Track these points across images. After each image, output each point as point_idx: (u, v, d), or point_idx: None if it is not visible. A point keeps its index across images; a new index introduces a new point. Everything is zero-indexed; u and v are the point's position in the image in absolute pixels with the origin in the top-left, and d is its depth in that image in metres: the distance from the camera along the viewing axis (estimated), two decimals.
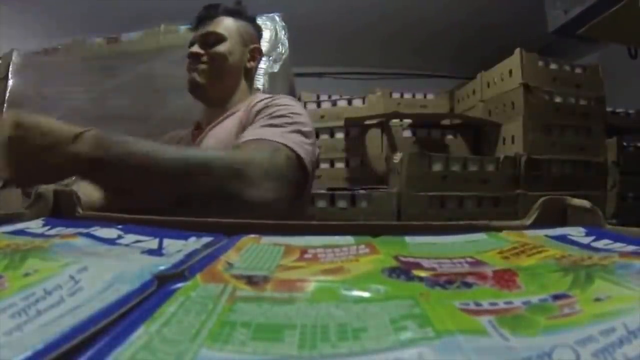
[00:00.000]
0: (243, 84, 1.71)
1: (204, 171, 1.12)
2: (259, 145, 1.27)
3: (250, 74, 1.75)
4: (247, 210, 1.14)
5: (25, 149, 0.98)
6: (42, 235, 0.56)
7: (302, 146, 1.33)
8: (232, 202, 1.14)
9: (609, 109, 3.17)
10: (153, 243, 0.53)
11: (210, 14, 1.69)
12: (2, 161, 0.98)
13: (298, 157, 1.30)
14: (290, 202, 1.29)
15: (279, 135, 1.31)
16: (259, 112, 1.45)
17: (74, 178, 1.18)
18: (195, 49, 1.62)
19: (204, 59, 1.61)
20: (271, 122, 1.38)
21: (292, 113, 1.42)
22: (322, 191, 2.64)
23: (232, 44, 1.65)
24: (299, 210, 1.46)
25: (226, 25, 1.67)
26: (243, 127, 1.44)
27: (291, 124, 1.38)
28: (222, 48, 1.62)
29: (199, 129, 1.70)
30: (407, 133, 3.06)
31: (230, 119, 1.57)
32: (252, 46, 1.73)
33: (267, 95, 1.61)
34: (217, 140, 1.51)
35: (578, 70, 2.96)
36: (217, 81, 1.63)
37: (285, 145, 1.28)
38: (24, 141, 0.98)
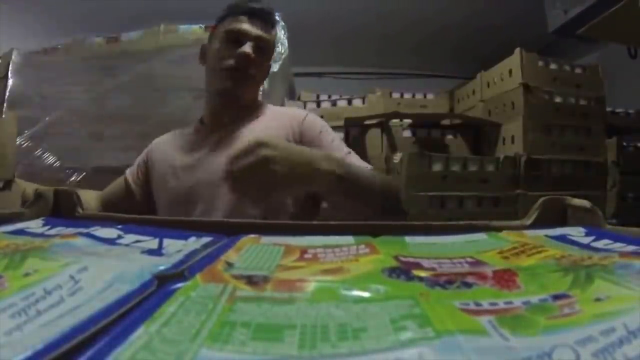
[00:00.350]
0: (260, 90, 1.75)
1: (390, 191, 1.34)
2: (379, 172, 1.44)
3: (265, 81, 1.77)
4: (398, 213, 1.36)
5: (280, 167, 1.07)
6: (42, 235, 0.56)
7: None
8: (392, 210, 1.32)
9: (608, 109, 3.17)
10: (153, 243, 0.53)
11: (265, 16, 1.60)
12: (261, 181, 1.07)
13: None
14: None
15: (365, 163, 1.46)
16: (318, 132, 1.50)
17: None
18: (248, 49, 1.50)
19: (247, 64, 1.52)
20: (342, 145, 1.50)
21: (330, 129, 1.54)
22: None
23: (271, 51, 1.62)
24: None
25: (274, 37, 1.62)
26: (294, 137, 1.49)
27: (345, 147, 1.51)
28: (267, 61, 1.62)
29: (213, 128, 1.62)
30: (407, 133, 3.06)
31: (260, 126, 1.55)
32: (274, 52, 1.68)
33: (290, 108, 1.71)
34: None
35: (578, 70, 2.96)
36: (251, 90, 1.61)
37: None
38: (277, 160, 1.07)
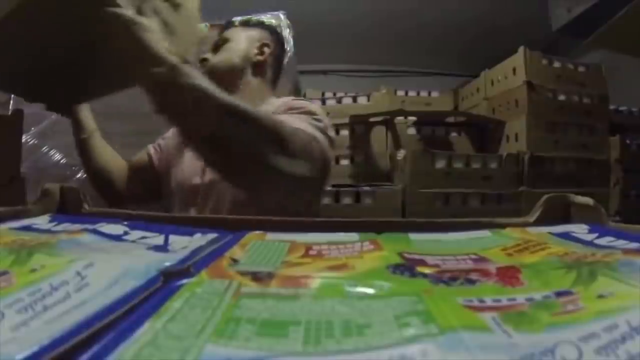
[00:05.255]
0: (253, 78, 1.70)
1: (254, 122, 1.12)
2: (300, 130, 1.27)
3: (260, 68, 1.73)
4: (274, 175, 1.15)
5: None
6: (48, 231, 0.56)
7: (328, 146, 1.36)
8: (263, 162, 1.13)
9: (612, 107, 3.16)
10: (159, 239, 0.53)
11: (223, 27, 1.83)
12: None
13: (326, 157, 1.34)
14: (309, 190, 1.35)
15: (311, 129, 1.32)
16: (290, 108, 1.46)
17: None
18: (203, 55, 1.68)
19: (205, 61, 1.66)
20: (302, 117, 1.39)
21: (319, 114, 1.45)
22: (327, 188, 2.64)
23: (236, 42, 1.69)
24: (311, 203, 1.49)
25: (232, 31, 1.75)
26: None
27: (319, 125, 1.39)
28: (224, 47, 1.69)
29: None
30: (412, 130, 3.05)
31: None
32: (259, 43, 1.73)
33: (290, 98, 1.69)
34: None
35: (581, 69, 2.95)
36: (219, 76, 1.56)
37: (320, 141, 1.31)
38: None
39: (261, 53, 1.72)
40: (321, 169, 1.33)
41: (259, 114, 1.14)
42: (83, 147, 1.61)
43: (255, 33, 1.75)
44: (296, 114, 1.41)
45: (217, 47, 1.70)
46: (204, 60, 1.67)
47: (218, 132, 1.10)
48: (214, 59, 1.66)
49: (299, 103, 1.50)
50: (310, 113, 1.42)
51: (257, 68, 1.72)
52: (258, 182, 1.18)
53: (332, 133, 1.45)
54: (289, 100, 1.58)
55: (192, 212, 1.46)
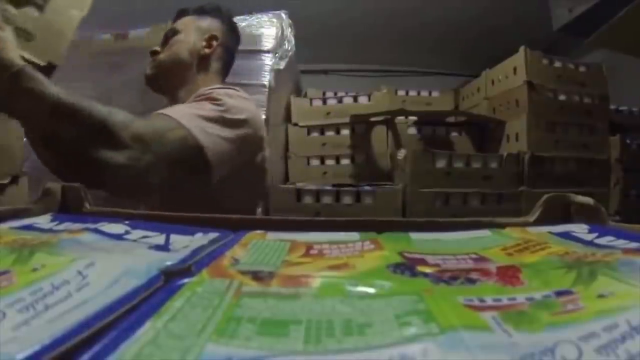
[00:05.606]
0: (201, 72, 1.69)
1: (80, 115, 1.09)
2: (157, 117, 1.27)
3: (207, 61, 1.71)
4: (94, 168, 1.11)
5: None
6: (50, 230, 0.56)
7: (210, 135, 1.30)
8: (84, 155, 1.10)
9: (612, 107, 3.16)
10: (160, 238, 0.53)
11: (174, 17, 1.80)
12: None
13: (198, 144, 1.27)
14: (178, 184, 1.26)
15: (187, 116, 1.28)
16: (199, 96, 1.45)
17: None
18: (153, 47, 1.70)
19: (155, 54, 1.67)
20: (192, 105, 1.39)
21: (225, 97, 1.42)
22: (328, 187, 2.64)
23: (185, 34, 1.67)
24: (201, 198, 1.34)
25: (184, 21, 1.73)
26: None
27: (217, 109, 1.37)
28: (174, 40, 1.67)
29: None
30: (412, 130, 3.06)
31: None
32: (208, 34, 1.72)
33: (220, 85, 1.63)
34: None
35: (582, 69, 2.94)
36: (166, 71, 1.64)
37: (185, 127, 1.26)
38: None
39: (209, 46, 1.70)
40: (187, 159, 1.27)
41: (86, 109, 1.11)
42: None
43: (205, 23, 1.73)
44: (196, 102, 1.41)
45: (167, 39, 1.68)
46: (154, 53, 1.67)
47: (47, 132, 1.09)
48: (162, 54, 1.66)
49: (210, 91, 1.47)
50: (211, 99, 1.40)
51: (205, 61, 1.70)
52: (89, 178, 0.98)
53: (241, 115, 1.41)
54: (217, 88, 1.54)
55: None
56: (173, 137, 1.23)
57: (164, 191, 1.27)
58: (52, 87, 1.07)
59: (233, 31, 1.85)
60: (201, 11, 1.77)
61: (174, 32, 1.68)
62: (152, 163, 1.17)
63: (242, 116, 1.41)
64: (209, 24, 1.74)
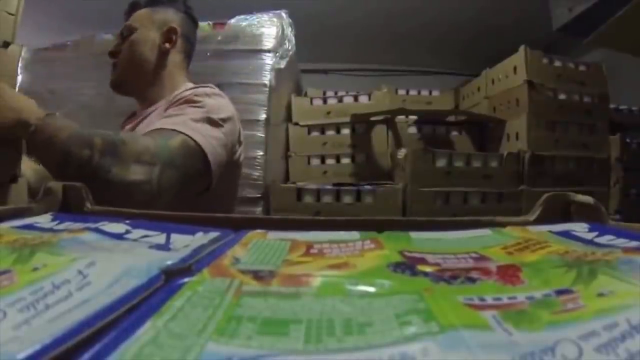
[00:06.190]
0: (164, 68, 1.64)
1: (87, 145, 1.13)
2: (152, 133, 1.27)
3: (167, 57, 1.65)
4: (108, 189, 1.14)
5: None
6: (50, 230, 0.56)
7: (205, 137, 1.31)
8: (95, 177, 1.12)
9: (612, 106, 3.17)
10: (160, 238, 0.53)
11: (128, 11, 1.70)
12: None
13: (198, 145, 1.29)
14: (182, 190, 1.28)
15: (180, 124, 1.29)
16: (177, 101, 1.44)
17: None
18: (110, 48, 1.64)
19: (115, 57, 1.62)
20: (178, 112, 1.38)
21: (205, 98, 1.43)
22: (328, 187, 2.65)
23: (142, 31, 1.61)
24: (201, 205, 1.41)
25: (138, 16, 1.65)
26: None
27: (201, 111, 1.37)
28: (131, 39, 1.60)
29: (130, 119, 1.71)
30: (413, 129, 3.07)
31: (155, 112, 1.54)
32: (166, 27, 1.65)
33: (194, 85, 1.61)
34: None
35: (582, 68, 2.95)
36: (130, 73, 1.60)
37: (183, 133, 1.27)
38: None
39: (169, 40, 1.65)
40: (193, 165, 1.30)
41: (94, 134, 1.16)
42: None
43: (160, 16, 1.65)
44: (177, 106, 1.41)
45: (123, 38, 1.61)
46: (112, 55, 1.62)
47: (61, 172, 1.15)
48: (121, 55, 1.60)
49: (188, 93, 1.46)
50: (191, 102, 1.40)
51: (166, 56, 1.65)
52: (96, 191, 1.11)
53: (223, 114, 1.42)
54: (192, 89, 1.53)
55: None
56: (174, 144, 1.24)
57: (171, 200, 1.27)
58: (65, 132, 1.13)
59: (190, 17, 1.77)
60: (154, 2, 1.68)
61: (130, 30, 1.61)
62: (162, 173, 1.20)
63: (224, 115, 1.43)
64: (165, 15, 1.67)
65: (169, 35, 1.64)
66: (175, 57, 1.67)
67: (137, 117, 1.61)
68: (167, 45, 1.63)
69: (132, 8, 1.68)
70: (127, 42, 1.60)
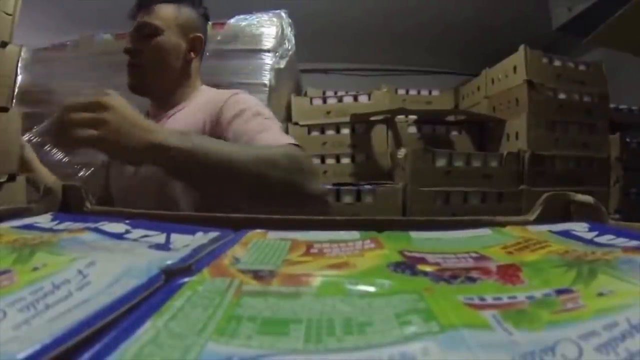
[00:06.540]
0: (186, 75, 1.61)
1: (273, 166, 1.13)
2: (284, 148, 1.25)
3: (191, 65, 1.62)
4: (309, 201, 1.19)
5: (118, 128, 1.01)
6: (50, 230, 0.56)
7: (290, 135, 1.35)
8: (297, 194, 1.16)
9: (612, 106, 3.17)
10: (160, 238, 0.53)
11: (145, 1, 1.57)
12: (97, 135, 1.00)
13: (300, 148, 1.29)
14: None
15: (273, 137, 1.30)
16: (233, 114, 1.41)
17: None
18: (128, 43, 1.54)
19: (136, 58, 1.53)
20: (260, 128, 1.35)
21: (252, 105, 1.44)
22: (328, 186, 2.64)
23: (169, 36, 1.53)
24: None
25: (163, 15, 1.54)
26: (212, 124, 1.42)
27: (263, 117, 1.39)
28: (157, 43, 1.52)
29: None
30: (412, 129, 3.07)
31: (183, 115, 1.53)
32: (192, 35, 1.59)
33: (221, 91, 1.59)
34: None
35: (582, 67, 2.95)
36: (153, 78, 1.55)
37: (291, 144, 1.27)
38: (116, 122, 1.01)
39: (194, 50, 1.61)
40: (310, 165, 1.32)
41: (271, 154, 1.16)
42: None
43: (183, 18, 1.57)
44: (250, 119, 1.38)
45: (145, 36, 1.51)
46: (133, 55, 1.52)
47: (246, 188, 1.15)
48: (144, 57, 1.51)
49: (238, 101, 1.44)
50: (259, 114, 1.40)
51: (190, 64, 1.62)
52: (295, 205, 1.18)
53: (269, 113, 1.45)
54: (222, 94, 1.51)
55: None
56: (295, 152, 1.24)
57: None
58: (228, 154, 1.12)
59: (206, 19, 1.72)
60: (179, 0, 1.59)
61: (155, 30, 1.51)
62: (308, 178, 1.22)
63: (270, 113, 1.45)
64: (188, 17, 1.59)
65: (194, 44, 1.61)
66: (196, 64, 1.65)
67: (156, 119, 1.54)
68: (192, 54, 1.61)
69: (151, 1, 1.56)
70: (151, 44, 1.51)
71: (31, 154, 1.56)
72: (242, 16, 2.66)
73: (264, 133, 1.30)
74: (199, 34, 1.61)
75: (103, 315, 0.31)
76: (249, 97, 1.49)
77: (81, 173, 2.50)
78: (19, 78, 2.64)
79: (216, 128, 1.39)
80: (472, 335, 0.27)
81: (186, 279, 0.37)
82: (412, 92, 3.57)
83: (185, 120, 1.47)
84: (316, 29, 4.53)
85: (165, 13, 1.55)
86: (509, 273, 0.39)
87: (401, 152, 2.66)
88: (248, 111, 1.39)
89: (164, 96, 1.59)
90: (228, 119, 1.39)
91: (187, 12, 1.59)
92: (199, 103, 1.54)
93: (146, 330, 0.28)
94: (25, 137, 1.49)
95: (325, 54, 5.45)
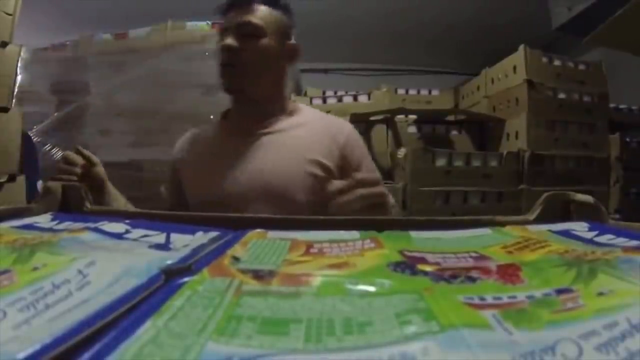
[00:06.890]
0: (282, 86, 1.54)
1: (393, 208, 1.30)
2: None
3: (285, 73, 1.54)
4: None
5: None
6: (50, 229, 0.56)
7: None
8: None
9: (612, 105, 3.17)
10: (160, 237, 0.53)
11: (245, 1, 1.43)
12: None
13: None
14: None
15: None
16: (359, 155, 1.49)
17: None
18: (230, 41, 1.38)
19: (236, 57, 1.39)
20: (372, 166, 1.51)
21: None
22: None
23: (273, 39, 1.43)
24: None
25: (264, 15, 1.42)
26: (340, 151, 1.45)
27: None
28: (262, 45, 1.41)
29: (241, 128, 1.50)
30: (412, 129, 3.07)
31: (306, 133, 1.47)
32: (289, 43, 1.49)
33: (331, 116, 1.62)
34: (296, 152, 1.42)
35: (582, 67, 2.95)
36: (256, 82, 1.44)
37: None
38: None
39: (292, 59, 1.53)
40: None
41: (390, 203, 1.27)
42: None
43: (283, 24, 1.47)
44: (369, 164, 1.51)
45: (243, 34, 1.39)
46: (229, 48, 1.38)
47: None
48: (246, 57, 1.39)
49: (358, 140, 1.53)
50: (365, 153, 1.52)
51: (285, 72, 1.54)
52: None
53: None
54: (338, 122, 1.56)
55: None
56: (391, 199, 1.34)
57: None
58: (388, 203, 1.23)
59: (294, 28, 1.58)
60: (274, 2, 1.47)
61: (258, 31, 1.40)
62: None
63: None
64: (286, 23, 1.49)
65: (292, 52, 1.53)
66: (288, 72, 1.57)
67: (256, 125, 1.49)
68: (291, 63, 1.55)
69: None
70: (256, 45, 1.41)
71: (103, 174, 1.43)
72: None
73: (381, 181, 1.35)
74: (295, 43, 1.53)
75: (103, 315, 0.31)
76: (356, 132, 1.56)
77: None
78: (19, 78, 2.64)
79: (343, 160, 1.45)
80: (472, 334, 0.27)
81: (186, 279, 0.37)
82: (412, 91, 3.57)
83: (312, 138, 1.46)
84: (316, 29, 4.52)
85: (266, 14, 1.44)
86: (509, 273, 0.39)
87: (401, 152, 2.66)
88: (366, 153, 1.52)
89: (263, 102, 1.49)
90: (359, 157, 1.48)
91: (282, 17, 1.49)
92: (315, 126, 1.50)
93: (146, 330, 0.28)
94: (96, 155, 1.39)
95: (325, 54, 5.44)
